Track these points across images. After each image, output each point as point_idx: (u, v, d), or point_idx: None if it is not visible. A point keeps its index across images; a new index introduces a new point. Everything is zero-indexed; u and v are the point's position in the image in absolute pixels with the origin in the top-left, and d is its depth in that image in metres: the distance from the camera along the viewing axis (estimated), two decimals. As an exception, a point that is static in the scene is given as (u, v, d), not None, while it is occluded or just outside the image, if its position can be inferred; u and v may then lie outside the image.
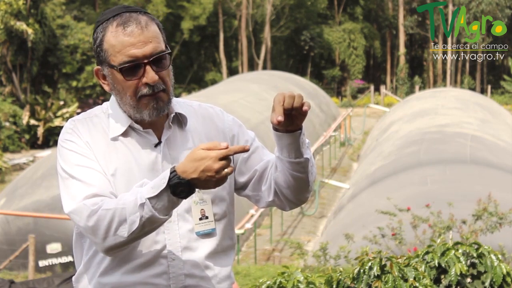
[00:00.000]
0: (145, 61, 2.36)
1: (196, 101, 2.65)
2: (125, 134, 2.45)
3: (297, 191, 2.48)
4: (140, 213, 2.24)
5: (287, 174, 2.44)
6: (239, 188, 2.57)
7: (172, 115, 2.48)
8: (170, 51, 2.43)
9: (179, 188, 2.22)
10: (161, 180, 2.25)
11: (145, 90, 2.38)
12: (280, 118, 2.28)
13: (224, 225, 2.52)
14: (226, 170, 2.22)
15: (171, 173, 2.24)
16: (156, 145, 2.46)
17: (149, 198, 2.24)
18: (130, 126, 2.45)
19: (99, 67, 2.45)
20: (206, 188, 2.25)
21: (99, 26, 2.42)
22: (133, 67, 2.37)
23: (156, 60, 2.38)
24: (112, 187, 2.38)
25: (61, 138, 2.45)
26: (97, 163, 2.40)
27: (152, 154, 2.45)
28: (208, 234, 2.47)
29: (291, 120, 2.34)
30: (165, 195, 2.24)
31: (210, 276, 2.47)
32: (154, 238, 2.41)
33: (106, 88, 2.46)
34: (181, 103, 2.55)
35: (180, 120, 2.50)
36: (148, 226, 2.27)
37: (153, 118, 2.41)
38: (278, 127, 2.36)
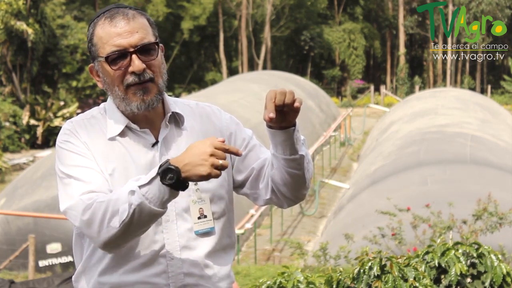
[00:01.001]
0: (131, 50, 2.38)
1: (193, 100, 2.66)
2: (122, 134, 2.46)
3: (294, 188, 2.48)
4: (130, 200, 2.23)
5: (283, 172, 2.44)
6: (237, 187, 2.57)
7: (169, 114, 2.49)
8: (157, 41, 2.44)
9: (168, 174, 2.21)
10: (154, 169, 2.26)
11: (131, 79, 2.39)
12: (272, 115, 2.28)
13: (223, 224, 2.52)
14: (221, 162, 2.21)
15: (164, 161, 2.25)
16: (154, 145, 2.46)
17: (140, 186, 2.24)
18: (127, 126, 2.46)
19: (92, 64, 2.48)
20: (199, 174, 2.20)
21: (91, 23, 2.47)
22: (119, 56, 2.39)
23: (143, 50, 2.40)
24: (111, 186, 2.38)
25: (59, 139, 2.46)
26: (95, 163, 2.40)
27: (149, 153, 2.45)
28: (207, 233, 2.47)
29: (284, 116, 2.33)
30: (155, 182, 2.23)
31: (209, 275, 2.46)
32: (153, 237, 2.41)
33: (99, 85, 2.49)
34: (178, 103, 2.56)
35: (177, 119, 2.51)
36: (139, 216, 2.24)
37: (142, 110, 2.42)
38: (272, 124, 2.36)
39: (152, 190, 2.23)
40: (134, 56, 2.38)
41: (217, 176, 2.23)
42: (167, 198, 2.25)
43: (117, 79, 2.41)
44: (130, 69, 2.39)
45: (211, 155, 2.20)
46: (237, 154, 2.29)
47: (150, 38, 2.42)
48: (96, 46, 2.42)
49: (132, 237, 2.32)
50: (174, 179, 2.21)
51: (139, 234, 2.33)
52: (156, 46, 2.43)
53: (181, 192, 2.28)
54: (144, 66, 2.39)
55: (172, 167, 2.21)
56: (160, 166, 2.23)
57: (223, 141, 2.24)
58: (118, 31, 2.39)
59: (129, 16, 2.41)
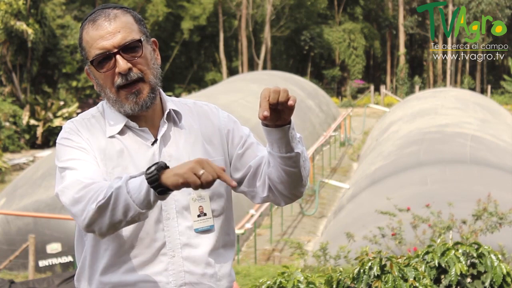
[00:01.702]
0: (115, 50, 2.38)
1: (191, 99, 2.66)
2: (121, 132, 2.47)
3: (291, 186, 2.49)
4: (112, 184, 2.22)
5: (279, 169, 2.45)
6: (235, 184, 2.58)
7: (167, 112, 2.49)
8: (142, 38, 2.42)
9: (151, 168, 2.16)
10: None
11: (119, 80, 2.40)
12: (266, 113, 2.28)
13: (223, 221, 2.53)
14: (202, 171, 2.13)
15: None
16: (153, 143, 2.47)
17: (130, 176, 2.22)
18: (126, 125, 2.47)
19: (86, 67, 2.49)
20: (176, 172, 2.13)
21: (80, 28, 2.49)
22: (105, 59, 2.40)
23: (127, 49, 2.40)
24: (107, 180, 2.38)
25: (59, 137, 2.48)
26: (93, 158, 2.41)
27: (149, 152, 2.46)
28: (207, 231, 2.47)
29: (278, 114, 2.34)
30: (141, 177, 2.19)
31: (210, 273, 2.47)
32: (154, 236, 2.41)
33: (95, 87, 2.50)
34: (176, 101, 2.57)
35: (175, 117, 2.52)
36: (115, 201, 2.20)
37: (136, 111, 2.43)
38: (267, 122, 2.37)
39: (135, 181, 2.20)
40: (118, 56, 2.39)
41: (193, 182, 2.13)
42: (143, 196, 2.18)
43: (107, 81, 2.42)
44: (117, 70, 2.39)
45: (198, 162, 2.14)
46: (230, 184, 2.21)
47: (134, 35, 2.41)
48: (85, 51, 2.44)
49: (106, 225, 2.25)
50: (153, 173, 2.15)
51: (111, 225, 2.25)
52: (141, 43, 2.42)
53: (181, 190, 2.22)
54: (128, 65, 2.39)
55: (159, 162, 2.17)
56: (155, 163, 2.20)
57: (223, 169, 2.18)
58: (100, 34, 2.40)
59: (110, 16, 2.41)
